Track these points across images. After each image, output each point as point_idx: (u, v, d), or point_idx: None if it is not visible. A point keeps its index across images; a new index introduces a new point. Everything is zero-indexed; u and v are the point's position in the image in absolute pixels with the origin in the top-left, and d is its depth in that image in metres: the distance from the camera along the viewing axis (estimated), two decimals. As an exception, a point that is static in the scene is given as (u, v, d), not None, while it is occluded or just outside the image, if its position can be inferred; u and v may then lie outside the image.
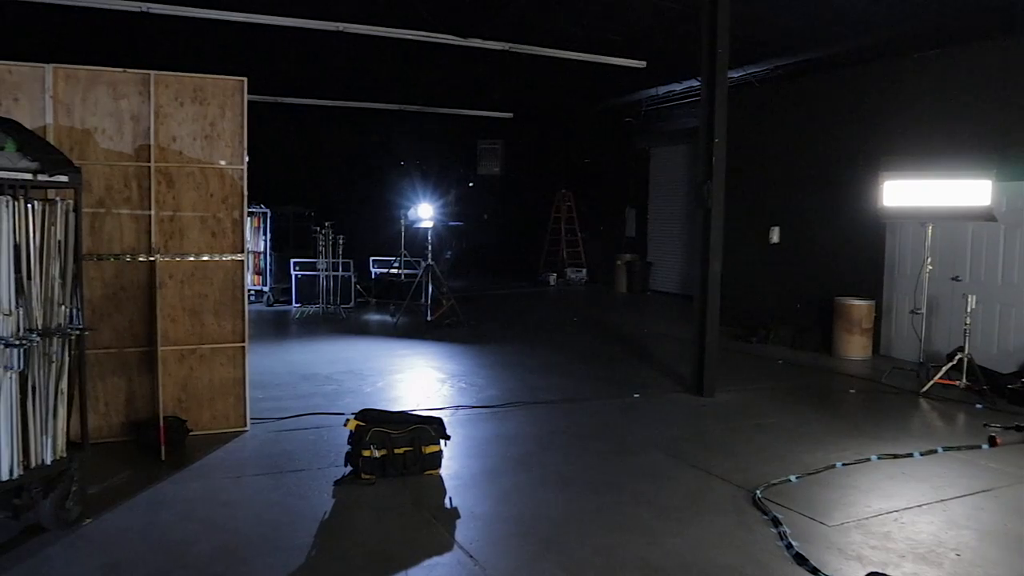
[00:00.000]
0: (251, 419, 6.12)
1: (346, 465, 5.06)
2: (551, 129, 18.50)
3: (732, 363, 8.81)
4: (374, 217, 16.13)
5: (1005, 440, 6.00)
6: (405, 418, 5.34)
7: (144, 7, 8.47)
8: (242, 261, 5.99)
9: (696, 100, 13.51)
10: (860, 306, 9.40)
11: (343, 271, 12.94)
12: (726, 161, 7.37)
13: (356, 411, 5.35)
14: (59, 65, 5.35)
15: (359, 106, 15.47)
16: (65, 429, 4.20)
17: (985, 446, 5.88)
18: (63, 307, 4.15)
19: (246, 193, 5.96)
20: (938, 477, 5.22)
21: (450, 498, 4.78)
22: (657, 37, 10.21)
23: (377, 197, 16.65)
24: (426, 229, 11.99)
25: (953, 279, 8.60)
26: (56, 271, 4.09)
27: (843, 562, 3.91)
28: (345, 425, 5.12)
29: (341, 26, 9.53)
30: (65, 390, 4.18)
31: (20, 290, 3.85)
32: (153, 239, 5.66)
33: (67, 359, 4.19)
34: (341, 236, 12.77)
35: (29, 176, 3.92)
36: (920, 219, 8.04)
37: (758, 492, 4.82)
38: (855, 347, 9.39)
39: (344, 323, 11.73)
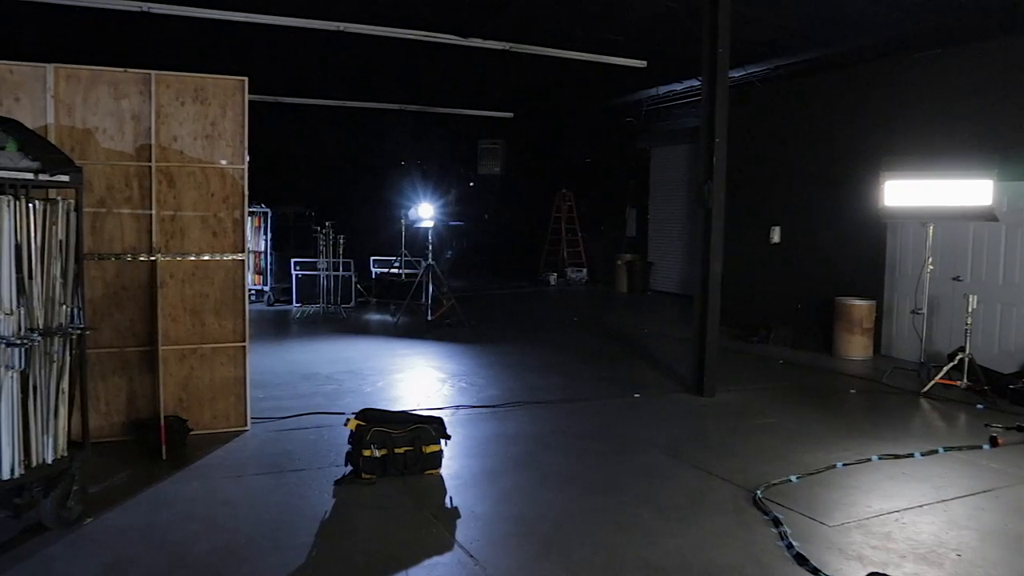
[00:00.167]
0: (252, 419, 6.12)
1: (346, 465, 5.06)
2: (552, 129, 18.51)
3: (732, 363, 8.81)
4: (375, 217, 16.13)
5: (1006, 440, 6.00)
6: (406, 418, 5.34)
7: (145, 7, 8.48)
8: (243, 261, 5.99)
9: (697, 100, 13.49)
10: (861, 306, 9.40)
11: (343, 271, 12.94)
12: (727, 161, 7.37)
13: (356, 411, 5.35)
14: (60, 65, 5.36)
15: (360, 106, 15.47)
16: (66, 428, 4.20)
17: (986, 446, 5.88)
18: (64, 306, 4.15)
19: (247, 193, 5.96)
20: (939, 477, 5.22)
21: (450, 498, 4.78)
22: (658, 37, 10.21)
23: (377, 197, 16.65)
24: (426, 229, 11.98)
25: (954, 279, 8.60)
26: (57, 270, 4.10)
27: (844, 562, 3.91)
28: (346, 425, 5.12)
29: (342, 26, 9.53)
30: (66, 389, 4.18)
31: (21, 289, 3.85)
32: (154, 239, 5.66)
33: (68, 358, 4.20)
34: (342, 236, 12.78)
35: (30, 175, 3.92)
36: (921, 219, 8.05)
37: (759, 492, 4.82)
38: (856, 347, 9.39)
39: (344, 323, 11.73)
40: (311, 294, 12.83)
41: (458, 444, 5.68)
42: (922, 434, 6.35)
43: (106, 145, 5.52)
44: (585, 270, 17.98)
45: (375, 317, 12.41)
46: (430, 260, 11.59)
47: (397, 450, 5.01)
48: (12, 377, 3.83)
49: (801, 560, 3.89)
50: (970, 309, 7.52)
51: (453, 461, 5.36)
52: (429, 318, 11.43)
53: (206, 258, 5.86)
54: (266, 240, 13.36)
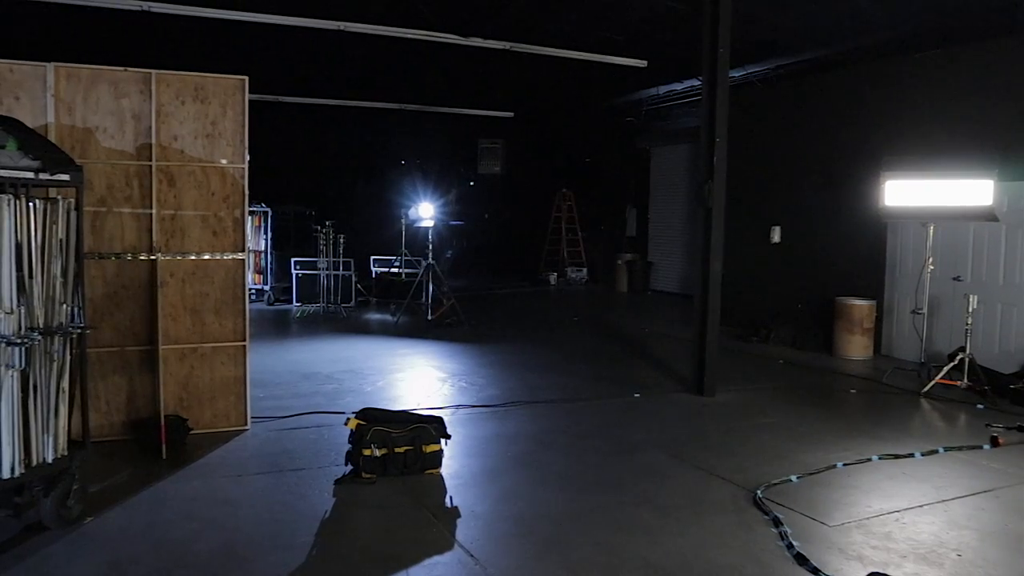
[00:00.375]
0: (252, 418, 6.12)
1: (347, 464, 5.06)
2: (552, 128, 18.51)
3: (733, 363, 8.81)
4: (375, 216, 16.14)
5: (1007, 440, 5.99)
6: (406, 417, 5.34)
7: (145, 6, 8.48)
8: (243, 260, 5.99)
9: (697, 100, 13.50)
10: (861, 306, 9.40)
11: (344, 270, 12.94)
12: (727, 161, 7.37)
13: (357, 410, 5.35)
14: (60, 64, 5.35)
15: (360, 105, 15.48)
16: (66, 428, 4.20)
17: (986, 446, 5.87)
18: (64, 306, 4.15)
19: (247, 192, 5.96)
20: (939, 477, 5.22)
21: (451, 497, 4.78)
22: (658, 37, 10.22)
23: (378, 196, 16.65)
24: (427, 228, 11.98)
25: (954, 279, 8.60)
26: (57, 270, 4.09)
27: (844, 562, 3.91)
28: (346, 424, 5.12)
29: (342, 25, 9.54)
30: (66, 389, 4.18)
31: (22, 289, 3.85)
32: (154, 238, 5.66)
33: (68, 358, 4.19)
34: (342, 235, 12.78)
35: (31, 175, 3.92)
36: (921, 219, 8.04)
37: (759, 492, 4.81)
38: (856, 347, 9.39)
39: (345, 322, 11.73)
40: (311, 293, 12.84)
41: (458, 443, 5.68)
42: (922, 434, 6.35)
43: (106, 144, 5.51)
44: (585, 270, 17.98)
45: (375, 316, 12.41)
46: (430, 260, 11.59)
47: (397, 449, 5.01)
48: (12, 376, 3.83)
49: (801, 560, 3.89)
50: (970, 309, 7.52)
51: (453, 460, 5.36)
52: (429, 318, 11.43)
53: (206, 257, 5.86)
54: (266, 239, 13.37)
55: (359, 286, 13.45)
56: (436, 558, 3.93)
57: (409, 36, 9.97)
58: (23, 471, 3.92)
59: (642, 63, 11.55)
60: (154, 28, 9.64)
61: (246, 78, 5.87)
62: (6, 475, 3.83)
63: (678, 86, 13.58)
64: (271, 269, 13.47)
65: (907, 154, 8.58)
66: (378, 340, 10.31)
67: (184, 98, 5.71)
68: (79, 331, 4.23)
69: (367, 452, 4.93)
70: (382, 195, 16.58)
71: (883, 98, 9.68)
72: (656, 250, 16.17)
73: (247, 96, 5.88)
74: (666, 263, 15.83)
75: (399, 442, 5.03)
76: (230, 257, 5.94)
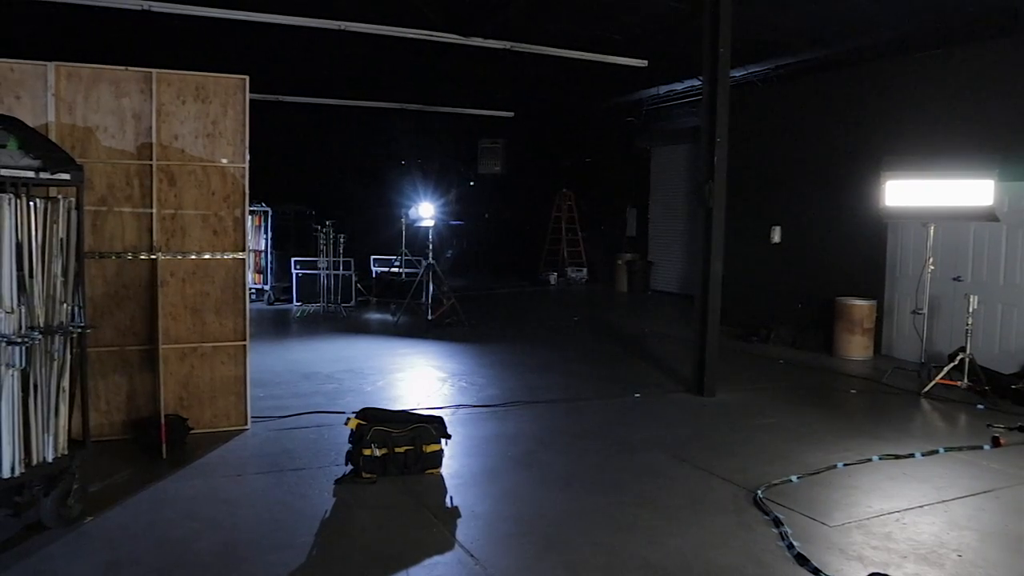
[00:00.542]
0: (252, 417, 6.12)
1: (347, 464, 5.06)
2: (552, 128, 18.51)
3: (733, 363, 8.81)
4: (375, 216, 16.12)
5: (1009, 440, 5.99)
6: (406, 417, 5.34)
7: (146, 5, 8.47)
8: (244, 259, 5.99)
9: (697, 100, 13.49)
10: (861, 306, 9.40)
11: (344, 270, 12.93)
12: (727, 161, 7.37)
13: (357, 410, 5.35)
14: (61, 63, 5.35)
15: (360, 105, 15.48)
16: (66, 427, 4.20)
17: (987, 446, 5.87)
18: (65, 305, 4.15)
19: (247, 191, 5.95)
20: (939, 478, 5.22)
21: (451, 497, 4.78)
22: (659, 36, 10.21)
23: (378, 196, 16.64)
24: (427, 228, 11.97)
25: (955, 279, 8.60)
26: (58, 269, 4.09)
27: (844, 562, 3.91)
28: (346, 424, 5.12)
29: (343, 25, 9.53)
30: (67, 388, 4.18)
31: (22, 288, 3.85)
32: (155, 237, 5.66)
33: (69, 357, 4.19)
34: (342, 235, 12.77)
35: (31, 174, 3.92)
36: (922, 219, 8.04)
37: (759, 492, 4.81)
38: (856, 347, 9.39)
39: (345, 322, 11.73)
40: (311, 293, 12.83)
41: (458, 443, 5.67)
42: (923, 434, 6.35)
43: (107, 143, 5.51)
44: (585, 270, 17.97)
45: (375, 316, 12.41)
46: (430, 259, 11.58)
47: (397, 449, 5.01)
48: (13, 375, 3.83)
49: (802, 560, 3.88)
50: (971, 309, 7.52)
51: (453, 460, 5.36)
52: (429, 317, 11.42)
53: (207, 257, 5.86)
54: (266, 239, 13.36)
55: (359, 286, 13.45)
56: (436, 558, 3.93)
57: (410, 36, 9.97)
58: (23, 470, 3.92)
59: (642, 63, 11.54)
60: (155, 28, 9.63)
61: (247, 77, 5.87)
62: (6, 474, 3.83)
63: (678, 86, 13.57)
64: (271, 269, 13.47)
65: (907, 154, 8.58)
66: (378, 340, 10.31)
67: (185, 97, 5.71)
68: (80, 330, 4.23)
69: (367, 452, 4.93)
70: (382, 195, 16.57)
71: (884, 98, 9.68)
72: (656, 250, 16.17)
73: (248, 96, 5.88)
74: (666, 263, 15.83)
75: (399, 442, 5.03)
76: (231, 256, 5.93)
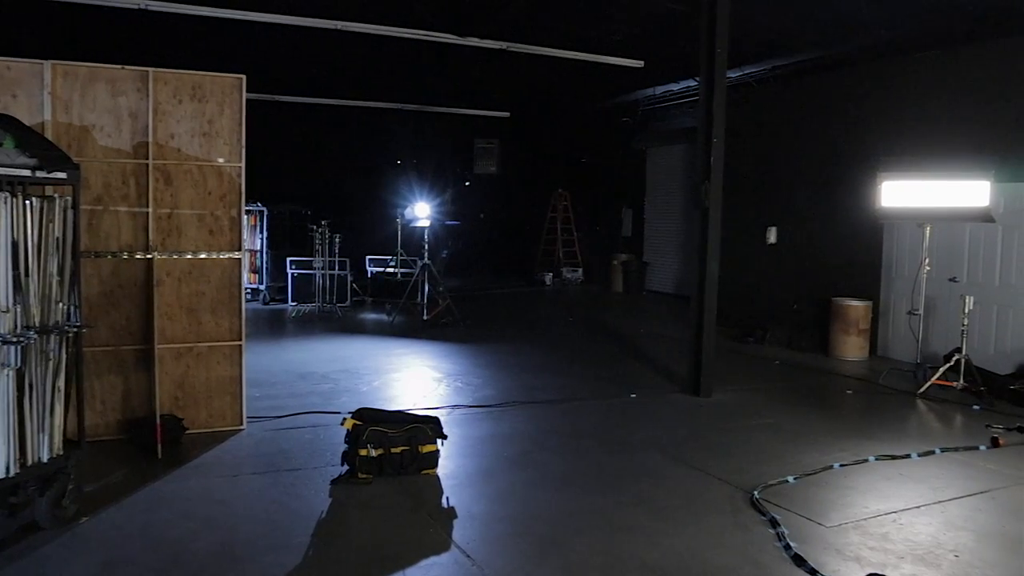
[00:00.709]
0: (248, 418, 6.10)
1: (343, 464, 5.06)
2: (548, 128, 18.49)
3: (728, 363, 8.81)
4: (370, 216, 16.11)
5: (1008, 441, 6.00)
6: (402, 417, 5.33)
7: (143, 4, 8.44)
8: (240, 259, 5.97)
9: (693, 100, 13.52)
10: (857, 307, 9.41)
11: (339, 270, 12.91)
12: (724, 161, 7.37)
13: (353, 410, 5.34)
14: (58, 62, 5.33)
15: (356, 104, 15.45)
16: (62, 427, 4.18)
17: (983, 447, 5.88)
18: (61, 304, 4.13)
19: (244, 191, 5.94)
20: (936, 478, 5.23)
21: (447, 498, 4.77)
22: (655, 37, 10.20)
23: (373, 196, 16.62)
24: (423, 228, 11.97)
25: (950, 280, 8.62)
26: (54, 268, 4.08)
27: (841, 563, 3.91)
28: (342, 424, 5.11)
29: (339, 24, 9.51)
30: (62, 388, 4.16)
31: (18, 287, 3.83)
32: (151, 236, 5.64)
33: (64, 357, 4.18)
34: (337, 235, 12.75)
35: (28, 172, 3.91)
36: (918, 220, 8.05)
37: (756, 493, 4.81)
38: (852, 348, 9.40)
39: (340, 322, 11.71)
40: (307, 293, 12.80)
41: (454, 444, 5.66)
42: (919, 435, 6.36)
43: (103, 142, 5.49)
44: (580, 270, 17.96)
45: (371, 316, 12.39)
46: (426, 259, 11.58)
47: (393, 450, 5.01)
48: (8, 375, 3.82)
49: (799, 561, 3.89)
50: (967, 310, 7.53)
51: (449, 461, 5.35)
52: (425, 318, 11.42)
53: (203, 256, 5.84)
54: (262, 239, 13.32)
55: (355, 286, 13.42)
56: (433, 559, 3.92)
57: (406, 36, 9.95)
58: (18, 470, 3.90)
59: (639, 63, 11.54)
60: (152, 26, 9.60)
61: (243, 77, 5.86)
62: (1, 475, 3.82)
63: (674, 86, 13.57)
64: (267, 268, 13.42)
65: (904, 155, 8.61)
66: (374, 340, 10.29)
67: (181, 97, 5.69)
68: (75, 330, 4.21)
69: (363, 452, 4.92)
70: (378, 195, 16.54)
71: (880, 99, 9.70)
72: (651, 251, 16.17)
73: (244, 95, 5.86)
74: (661, 264, 15.83)
75: (395, 442, 5.02)
76: (227, 256, 5.92)
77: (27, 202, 3.88)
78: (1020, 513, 4.66)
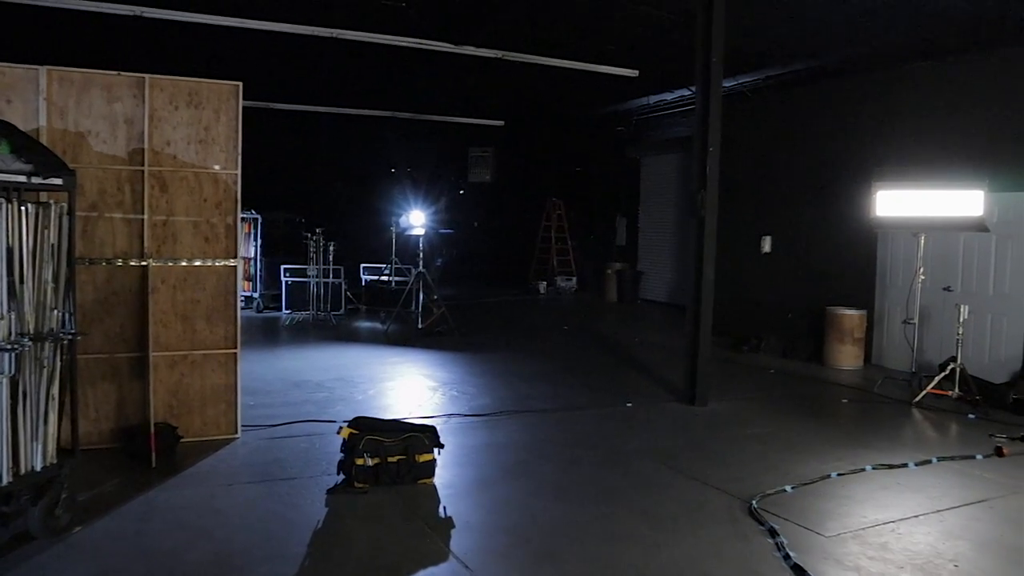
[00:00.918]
0: (242, 426, 6.05)
1: (339, 473, 5.02)
2: (542, 137, 18.52)
3: (723, 372, 8.81)
4: (365, 224, 16.08)
5: (1012, 451, 5.99)
6: (398, 426, 5.29)
7: (138, 11, 8.42)
8: (235, 266, 5.93)
9: (687, 110, 13.56)
10: (852, 316, 9.43)
11: (333, 278, 12.88)
12: (719, 170, 7.38)
13: (348, 419, 5.31)
14: (53, 67, 5.30)
15: (351, 112, 15.44)
16: (56, 435, 4.14)
17: (979, 456, 5.88)
18: (55, 311, 4.10)
19: (240, 198, 5.91)
20: (933, 487, 5.22)
21: (444, 507, 4.74)
22: (650, 46, 10.22)
23: (368, 204, 16.61)
24: (418, 236, 11.95)
25: (945, 289, 8.63)
26: (49, 275, 4.04)
27: (841, 573, 3.90)
28: (338, 433, 5.06)
29: (335, 32, 9.51)
30: (56, 396, 4.12)
31: (12, 294, 3.80)
32: (146, 243, 5.61)
33: (59, 364, 4.14)
34: (332, 242, 12.73)
35: (23, 178, 3.88)
36: (912, 229, 8.07)
37: (754, 502, 4.80)
38: (847, 357, 9.41)
39: (334, 330, 11.67)
40: (300, 301, 12.77)
41: (450, 453, 5.63)
42: (915, 444, 6.36)
43: (98, 149, 5.46)
44: (574, 279, 17.96)
45: (365, 325, 12.35)
46: (421, 268, 11.55)
47: (390, 459, 4.97)
48: (2, 383, 3.77)
49: (799, 571, 3.87)
50: (962, 319, 7.55)
51: (445, 470, 5.31)
52: (420, 326, 11.39)
53: (198, 263, 5.80)
54: (256, 246, 13.29)
55: (349, 294, 13.39)
56: (431, 569, 3.89)
57: (401, 44, 9.95)
58: (11, 479, 3.86)
59: (634, 73, 11.57)
60: (147, 33, 9.58)
61: (240, 84, 5.84)
62: (-6, 484, 3.77)
63: (668, 96, 13.60)
64: (260, 276, 13.38)
65: (898, 164, 8.64)
66: (368, 348, 10.25)
67: (177, 103, 5.66)
68: (70, 337, 4.17)
69: (360, 461, 4.88)
70: (372, 203, 16.53)
71: (874, 108, 9.74)
72: (646, 260, 16.18)
73: (241, 102, 5.84)
74: (656, 273, 15.84)
75: (392, 451, 4.99)
76: (222, 264, 5.88)
77: (22, 208, 3.85)
78: (1018, 522, 4.65)
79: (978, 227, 7.55)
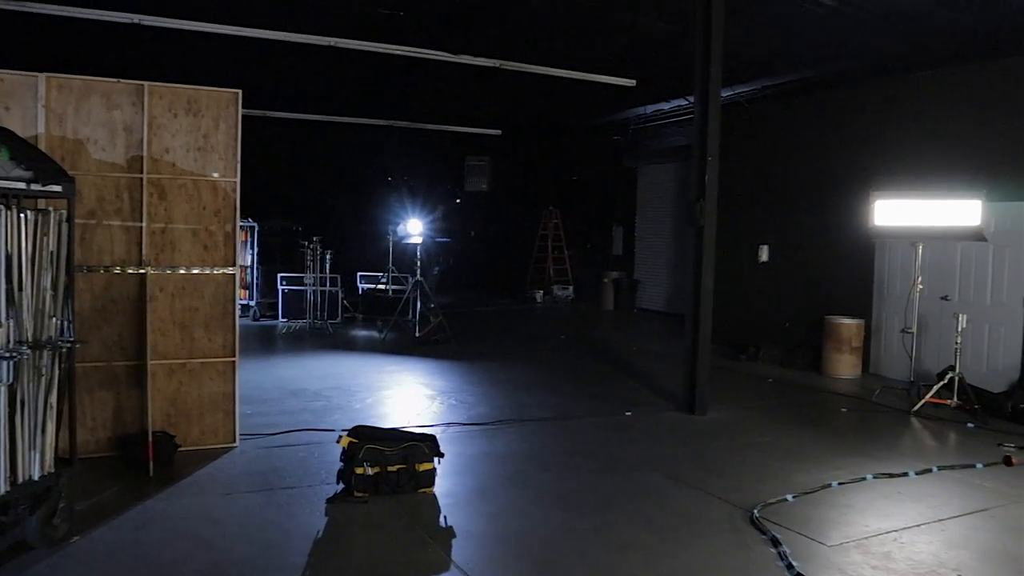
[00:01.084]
0: (240, 435, 6.02)
1: (338, 482, 4.99)
2: (539, 146, 18.54)
3: (722, 381, 8.79)
4: (361, 232, 16.07)
5: (1020, 460, 5.97)
6: (398, 435, 5.27)
7: (135, 19, 8.42)
8: (234, 275, 5.91)
9: (684, 119, 13.60)
10: (850, 325, 9.43)
11: (330, 286, 12.85)
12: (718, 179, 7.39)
13: (346, 427, 5.28)
14: (52, 74, 5.29)
15: (348, 121, 15.44)
16: (54, 444, 4.10)
17: (979, 465, 5.87)
18: (54, 319, 4.07)
19: (239, 206, 5.89)
20: (933, 496, 5.21)
21: (444, 516, 4.71)
22: (647, 56, 10.25)
23: (364, 212, 16.61)
24: (415, 245, 11.93)
25: (942, 298, 8.64)
26: (48, 282, 4.01)
27: (845, 582, 3.88)
28: (338, 442, 5.03)
29: (333, 41, 9.51)
30: (54, 404, 4.09)
31: (11, 301, 3.77)
32: (144, 251, 5.58)
33: (57, 372, 4.11)
34: (328, 251, 12.71)
35: (23, 185, 3.85)
36: (910, 238, 8.08)
37: (755, 511, 4.78)
38: (844, 366, 9.41)
39: (331, 339, 11.64)
40: (297, 309, 12.73)
41: (450, 462, 5.60)
42: (915, 453, 6.36)
43: (97, 156, 5.44)
44: (571, 287, 17.96)
45: (362, 333, 12.32)
46: (419, 276, 11.53)
47: (390, 468, 4.94)
48: (0, 391, 3.74)
49: (802, 580, 3.85)
50: (960, 328, 7.55)
51: (445, 479, 5.28)
52: (417, 335, 11.36)
53: (196, 271, 5.78)
54: (252, 254, 13.26)
55: (346, 302, 13.37)
56: (433, 579, 3.87)
57: (399, 53, 9.96)
58: (8, 488, 3.82)
59: (631, 82, 11.59)
60: (145, 41, 9.57)
61: (239, 91, 5.82)
62: (-9, 493, 3.73)
63: (665, 106, 13.64)
64: (257, 284, 13.36)
65: (896, 174, 8.66)
66: (366, 357, 10.22)
67: (177, 111, 5.65)
68: (68, 345, 4.14)
69: (359, 470, 4.85)
70: (369, 211, 16.52)
71: (872, 118, 9.77)
72: (642, 268, 16.19)
73: (240, 110, 5.83)
74: (652, 282, 15.85)
75: (392, 460, 4.96)
76: (220, 272, 5.86)
77: (22, 215, 3.83)
78: (1019, 531, 4.64)
79: (976, 236, 7.57)
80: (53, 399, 4.08)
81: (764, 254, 11.26)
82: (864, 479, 5.52)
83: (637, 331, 13.63)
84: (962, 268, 8.59)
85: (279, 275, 13.01)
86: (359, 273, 14.53)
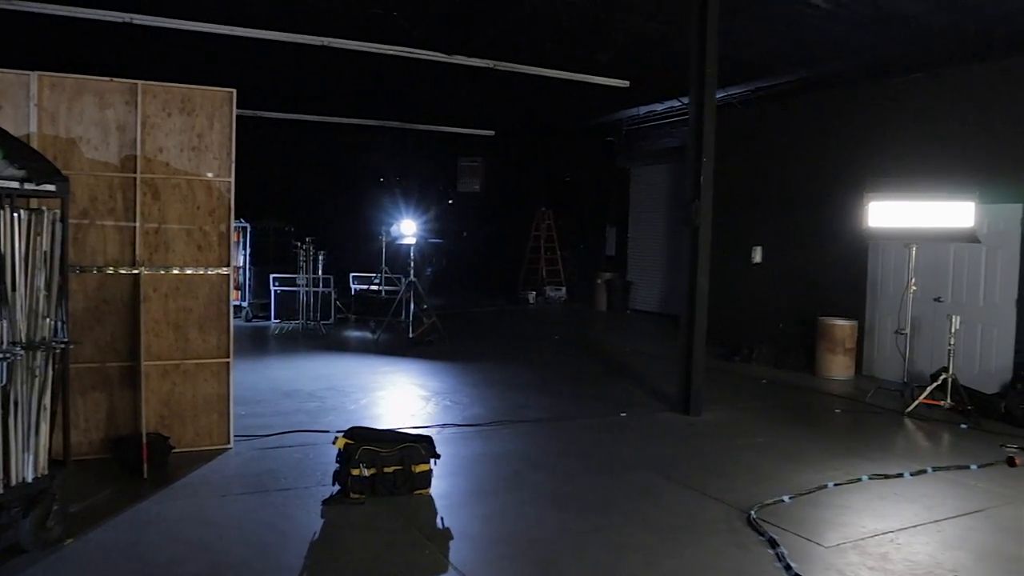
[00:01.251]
0: (235, 436, 5.98)
1: (334, 484, 4.96)
2: (532, 147, 18.55)
3: (716, 382, 8.79)
4: (354, 233, 16.03)
5: (1023, 461, 6.00)
6: (394, 436, 5.24)
7: (127, 18, 8.37)
8: (228, 275, 5.88)
9: (677, 120, 13.63)
10: (843, 326, 9.45)
11: (323, 287, 12.81)
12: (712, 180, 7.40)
13: (342, 429, 5.24)
14: (44, 73, 5.25)
15: (341, 121, 15.42)
16: (47, 446, 4.07)
17: (974, 466, 5.89)
18: (47, 319, 4.03)
19: (233, 206, 5.86)
20: (929, 497, 5.22)
21: (441, 518, 4.69)
22: (640, 57, 10.27)
23: (357, 213, 16.57)
24: (408, 246, 11.90)
25: (935, 300, 8.66)
26: (41, 282, 3.98)
27: (843, 583, 3.88)
28: (334, 443, 5.01)
29: (326, 41, 9.49)
30: (48, 405, 4.05)
31: (4, 301, 3.73)
32: (137, 251, 5.54)
33: (50, 373, 4.07)
34: (321, 252, 12.66)
35: (16, 184, 3.82)
36: (904, 240, 8.10)
37: (752, 512, 4.77)
38: (838, 367, 9.43)
39: (324, 339, 11.60)
40: (290, 310, 12.69)
41: (446, 463, 5.55)
42: (909, 454, 6.37)
43: (90, 155, 5.40)
44: (564, 288, 17.95)
45: (355, 334, 12.28)
46: (412, 277, 11.50)
47: (386, 469, 4.92)
48: (-7, 392, 3.71)
49: (800, 581, 3.85)
50: (953, 330, 7.57)
51: (441, 481, 5.26)
52: (410, 335, 11.33)
53: (190, 272, 5.74)
54: (245, 255, 13.21)
55: (338, 303, 13.33)
56: (430, 581, 3.85)
57: (393, 53, 9.94)
58: (2, 491, 3.78)
59: (624, 83, 11.61)
60: (137, 41, 9.53)
61: (234, 91, 5.79)
62: (-16, 495, 3.70)
63: (658, 107, 13.67)
64: (250, 285, 13.30)
65: (890, 175, 8.67)
66: (359, 358, 10.19)
67: (170, 110, 5.61)
68: (62, 346, 4.10)
69: (356, 472, 4.83)
70: (361, 212, 16.48)
71: (866, 120, 9.79)
72: (635, 269, 16.21)
73: (234, 109, 5.80)
74: (645, 283, 15.86)
75: (388, 462, 4.93)
76: (214, 272, 5.82)
77: (15, 215, 3.79)
78: (1015, 532, 4.65)
79: (969, 238, 7.59)
80: (47, 400, 4.05)
81: (757, 255, 11.28)
82: (860, 480, 5.52)
83: (630, 332, 13.63)
84: (955, 270, 8.62)
85: (272, 276, 12.96)
86: (352, 274, 14.48)
